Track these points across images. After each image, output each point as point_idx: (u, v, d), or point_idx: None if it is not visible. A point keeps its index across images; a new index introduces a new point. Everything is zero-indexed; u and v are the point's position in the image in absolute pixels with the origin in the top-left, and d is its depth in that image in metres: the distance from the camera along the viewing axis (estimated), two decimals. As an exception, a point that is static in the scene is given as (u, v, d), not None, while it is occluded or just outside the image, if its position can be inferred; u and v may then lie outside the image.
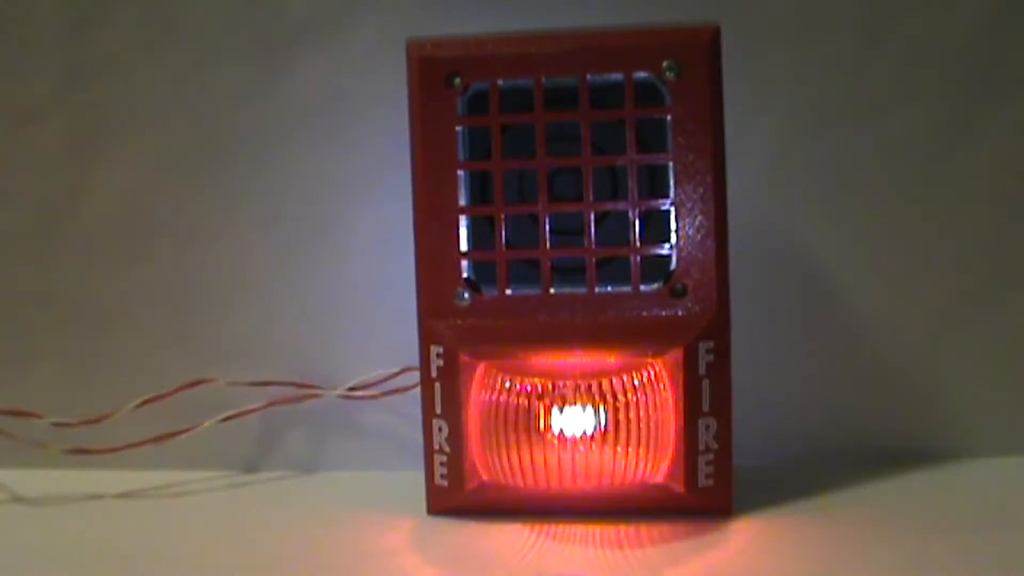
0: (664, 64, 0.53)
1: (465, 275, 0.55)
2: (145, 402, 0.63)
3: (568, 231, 0.55)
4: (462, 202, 0.55)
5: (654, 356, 0.54)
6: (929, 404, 0.65)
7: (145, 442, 0.63)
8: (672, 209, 0.54)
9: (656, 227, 0.54)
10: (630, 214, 0.54)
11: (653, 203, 0.54)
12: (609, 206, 0.55)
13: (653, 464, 0.55)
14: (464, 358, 0.55)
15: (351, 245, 0.66)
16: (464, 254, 0.55)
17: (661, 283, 0.54)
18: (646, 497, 0.55)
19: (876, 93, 0.63)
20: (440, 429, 0.56)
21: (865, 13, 0.63)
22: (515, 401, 0.54)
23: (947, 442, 0.64)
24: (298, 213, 0.67)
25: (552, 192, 0.55)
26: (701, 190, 0.53)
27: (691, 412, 0.54)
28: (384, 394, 0.64)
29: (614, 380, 0.54)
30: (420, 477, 0.57)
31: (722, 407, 0.54)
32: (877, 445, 0.65)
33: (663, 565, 0.50)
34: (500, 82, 0.54)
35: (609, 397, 0.54)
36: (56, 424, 0.64)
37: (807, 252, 0.65)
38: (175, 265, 0.68)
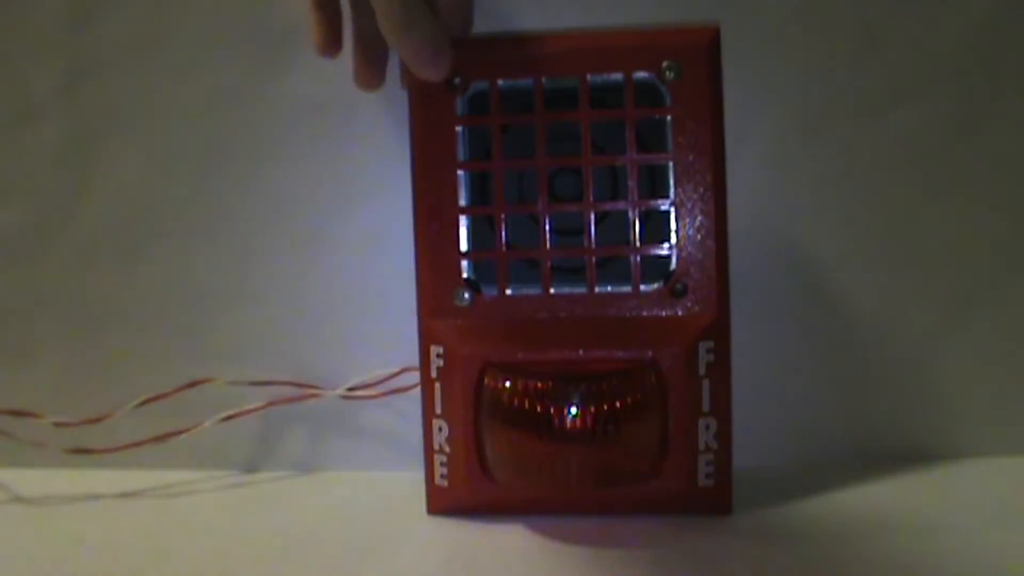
0: (664, 64, 0.53)
1: (465, 275, 0.55)
2: (145, 402, 0.63)
3: (568, 231, 0.55)
4: (462, 202, 0.55)
5: (654, 356, 0.54)
6: (929, 404, 0.65)
7: (145, 442, 0.63)
8: (672, 209, 0.54)
9: (656, 227, 0.54)
10: (630, 214, 0.54)
11: (653, 203, 0.54)
12: (609, 206, 0.55)
13: (653, 464, 0.55)
14: (464, 358, 0.55)
15: (351, 245, 0.66)
16: (464, 254, 0.55)
17: (661, 283, 0.54)
18: (646, 497, 0.55)
19: (876, 93, 0.64)
20: (440, 429, 0.56)
21: (865, 13, 0.63)
22: (515, 401, 0.54)
23: (947, 442, 0.64)
24: (298, 213, 0.67)
25: (552, 192, 0.55)
26: (701, 190, 0.53)
27: (691, 412, 0.54)
28: (384, 394, 0.64)
29: (614, 380, 0.54)
30: (420, 477, 0.57)
31: (722, 407, 0.54)
32: (877, 445, 0.65)
33: (663, 565, 0.50)
34: (500, 82, 0.54)
35: (609, 397, 0.54)
36: (56, 424, 0.64)
37: (807, 252, 0.65)
38: (175, 265, 0.68)
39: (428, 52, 0.52)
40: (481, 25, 0.57)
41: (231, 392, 0.64)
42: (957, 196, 0.64)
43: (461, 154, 0.55)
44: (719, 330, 0.54)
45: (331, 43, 0.56)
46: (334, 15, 0.55)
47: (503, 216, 0.55)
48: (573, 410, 0.54)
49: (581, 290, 0.54)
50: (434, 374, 0.56)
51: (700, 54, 0.53)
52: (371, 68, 0.56)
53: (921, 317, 0.64)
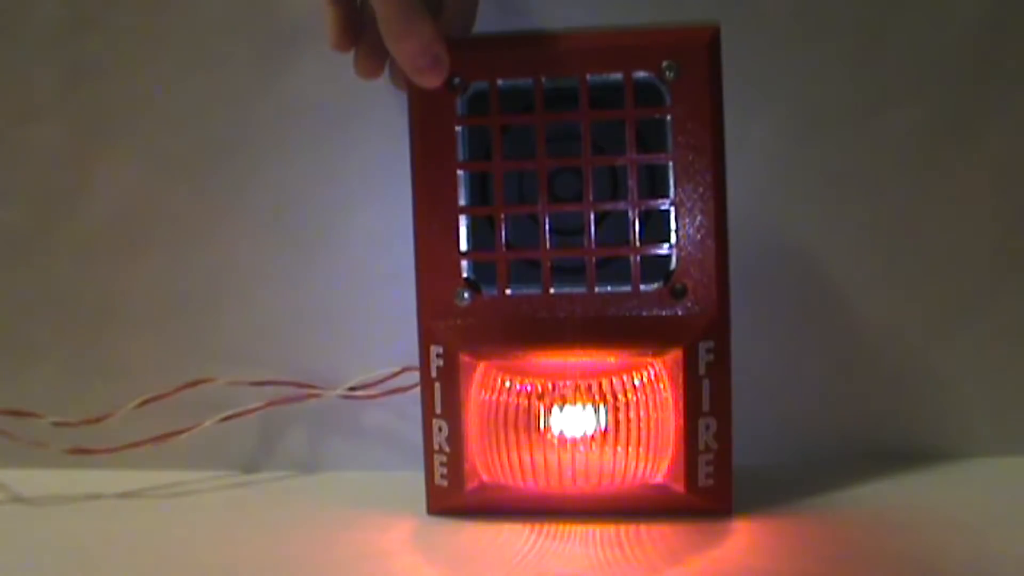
0: (664, 64, 0.53)
1: (465, 275, 0.55)
2: (145, 402, 0.63)
3: (568, 231, 0.55)
4: (462, 202, 0.55)
5: (654, 356, 0.54)
6: (929, 404, 0.65)
7: (145, 442, 0.63)
8: (672, 209, 0.54)
9: (656, 227, 0.54)
10: (630, 214, 0.54)
11: (653, 203, 0.54)
12: (609, 206, 0.54)
13: (653, 464, 0.55)
14: (464, 358, 0.55)
15: (351, 245, 0.66)
16: (464, 254, 0.55)
17: (661, 283, 0.54)
18: (646, 497, 0.55)
19: (876, 93, 0.63)
20: (440, 429, 0.56)
21: (865, 13, 0.63)
22: (515, 401, 0.55)
23: (947, 442, 0.64)
24: (297, 213, 0.67)
25: (552, 192, 0.55)
26: (701, 190, 0.53)
27: (691, 412, 0.54)
28: (384, 394, 0.64)
29: (614, 380, 0.54)
30: (420, 477, 0.57)
31: (722, 407, 0.54)
32: (877, 445, 0.65)
33: (663, 565, 0.50)
34: (500, 82, 0.54)
35: (609, 397, 0.54)
36: (56, 424, 0.64)
37: (807, 252, 0.65)
38: (175, 265, 0.68)
39: (424, 61, 0.52)
40: (481, 25, 0.57)
41: (231, 392, 0.64)
42: (957, 196, 0.64)
43: (461, 154, 0.55)
44: (719, 330, 0.54)
45: (346, 38, 0.55)
46: (350, 10, 0.55)
47: (503, 216, 0.55)
48: (573, 410, 0.54)
49: (581, 290, 0.54)
50: (434, 374, 0.56)
51: (700, 54, 0.53)
52: (371, 57, 0.56)
53: (921, 317, 0.64)
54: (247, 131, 0.67)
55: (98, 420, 0.63)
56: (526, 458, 0.54)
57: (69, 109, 0.67)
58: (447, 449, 0.56)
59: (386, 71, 0.57)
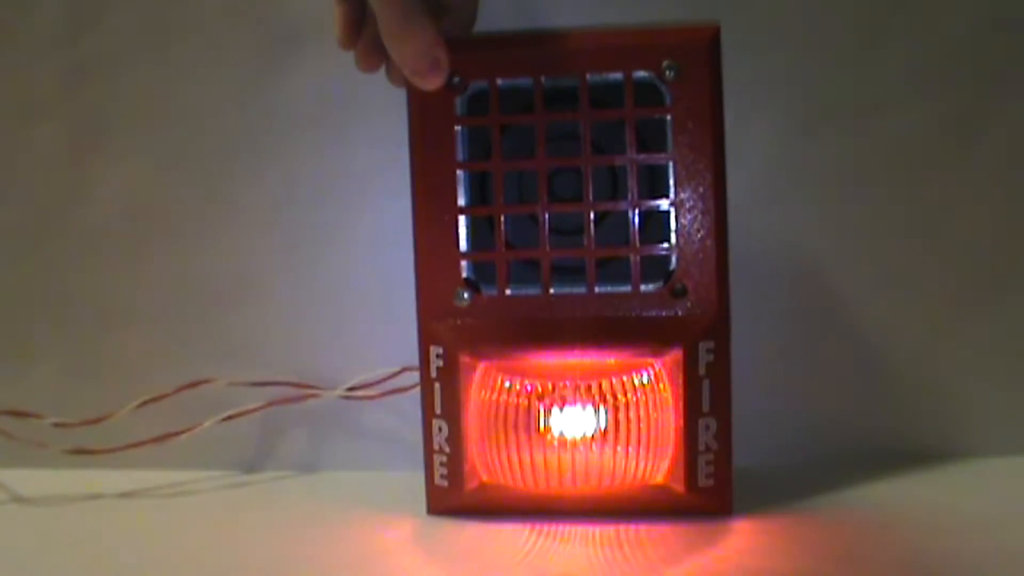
0: (664, 64, 0.53)
1: (465, 275, 0.55)
2: (145, 402, 0.63)
3: (568, 231, 0.55)
4: (462, 202, 0.55)
5: (654, 356, 0.54)
6: (929, 404, 0.65)
7: (145, 442, 0.63)
8: (672, 209, 0.54)
9: (656, 227, 0.54)
10: (630, 214, 0.54)
11: (653, 203, 0.54)
12: (609, 206, 0.54)
13: (653, 464, 0.55)
14: (464, 358, 0.55)
15: (351, 245, 0.66)
16: (464, 254, 0.55)
17: (661, 283, 0.54)
18: (646, 497, 0.55)
19: (876, 93, 0.63)
20: (440, 429, 0.56)
21: (865, 13, 0.63)
22: (515, 401, 0.54)
23: (947, 442, 0.64)
24: (298, 213, 0.67)
25: (552, 192, 0.55)
26: (701, 190, 0.53)
27: (691, 412, 0.54)
28: (384, 394, 0.64)
29: (614, 380, 0.54)
30: (420, 477, 0.57)
31: (722, 407, 0.54)
32: (877, 445, 0.65)
33: (663, 565, 0.50)
34: (499, 82, 0.54)
35: (609, 397, 0.54)
36: (56, 424, 0.64)
37: (807, 253, 0.65)
38: (175, 265, 0.68)
39: (423, 64, 0.52)
40: (481, 25, 0.57)
41: (231, 392, 0.64)
42: (958, 196, 0.64)
43: (460, 154, 0.55)
44: (719, 330, 0.54)
45: (353, 37, 0.55)
46: (357, 8, 0.55)
47: (503, 216, 0.55)
48: (573, 410, 0.54)
49: (581, 290, 0.54)
50: (434, 374, 0.56)
51: (700, 53, 0.53)
52: (372, 52, 0.55)
53: (922, 317, 0.64)
54: (246, 131, 0.66)
55: (98, 420, 0.63)
56: (526, 458, 0.54)
57: (69, 109, 0.67)
58: (447, 449, 0.56)
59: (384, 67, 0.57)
